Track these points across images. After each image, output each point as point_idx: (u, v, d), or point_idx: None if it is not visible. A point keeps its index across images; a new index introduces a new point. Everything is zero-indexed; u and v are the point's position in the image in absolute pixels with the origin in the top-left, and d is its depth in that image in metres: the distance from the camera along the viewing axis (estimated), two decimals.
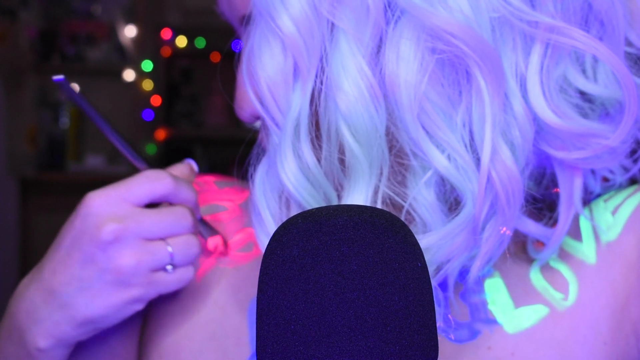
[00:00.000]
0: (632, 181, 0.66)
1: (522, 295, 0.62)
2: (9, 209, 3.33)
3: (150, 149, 3.48)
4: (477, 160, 0.54)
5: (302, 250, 0.43)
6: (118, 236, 0.59)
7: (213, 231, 0.68)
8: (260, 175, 0.60)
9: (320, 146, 0.57)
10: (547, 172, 0.62)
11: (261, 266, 0.45)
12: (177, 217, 0.62)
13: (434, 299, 0.55)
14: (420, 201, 0.56)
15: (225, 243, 0.69)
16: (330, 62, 0.54)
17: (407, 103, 0.53)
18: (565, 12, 0.55)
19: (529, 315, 0.61)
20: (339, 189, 0.58)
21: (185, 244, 0.62)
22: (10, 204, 3.33)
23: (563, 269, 0.62)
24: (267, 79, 0.56)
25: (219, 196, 0.75)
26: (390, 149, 0.56)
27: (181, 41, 3.52)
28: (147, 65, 3.42)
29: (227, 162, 3.55)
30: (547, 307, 0.61)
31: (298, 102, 0.56)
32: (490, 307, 0.62)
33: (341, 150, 0.56)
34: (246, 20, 0.60)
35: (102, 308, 0.60)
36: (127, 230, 0.59)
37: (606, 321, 0.60)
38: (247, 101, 0.60)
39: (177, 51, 3.55)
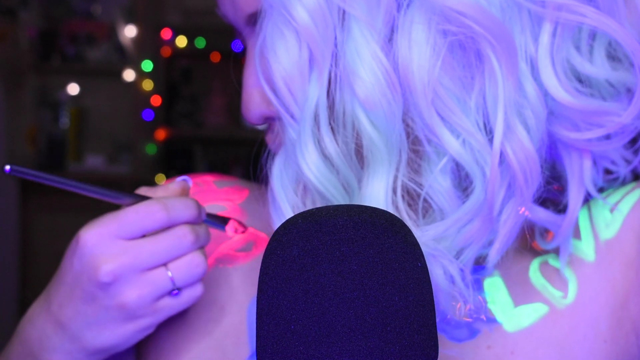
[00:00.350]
0: (636, 176, 0.66)
1: (521, 293, 0.62)
2: (9, 209, 3.33)
3: (150, 149, 3.48)
4: (492, 143, 0.54)
5: (302, 250, 0.43)
6: (116, 275, 0.58)
7: (224, 220, 0.67)
8: (278, 168, 0.59)
9: (336, 137, 0.56)
10: (547, 163, 0.62)
11: (261, 266, 0.45)
12: (175, 239, 0.60)
13: (462, 281, 0.55)
14: (437, 188, 0.56)
15: (241, 223, 0.67)
16: (345, 51, 0.54)
17: (420, 88, 0.53)
18: None
19: (529, 314, 0.61)
20: (358, 179, 0.57)
21: (187, 265, 0.60)
22: (10, 204, 3.33)
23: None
24: (283, 72, 0.56)
25: (218, 196, 0.74)
26: (407, 136, 0.56)
27: (181, 41, 3.51)
28: (147, 65, 3.42)
29: (227, 162, 3.55)
30: (546, 305, 0.61)
31: (315, 93, 0.55)
32: (490, 306, 0.62)
33: (357, 139, 0.55)
34: (253, 18, 0.59)
35: (112, 340, 0.60)
36: (124, 268, 0.58)
37: (606, 319, 0.60)
38: (255, 102, 0.60)
39: (177, 51, 3.54)
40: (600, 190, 0.64)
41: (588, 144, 0.58)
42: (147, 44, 3.44)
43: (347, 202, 0.58)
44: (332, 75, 0.55)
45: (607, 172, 0.65)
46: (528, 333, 0.60)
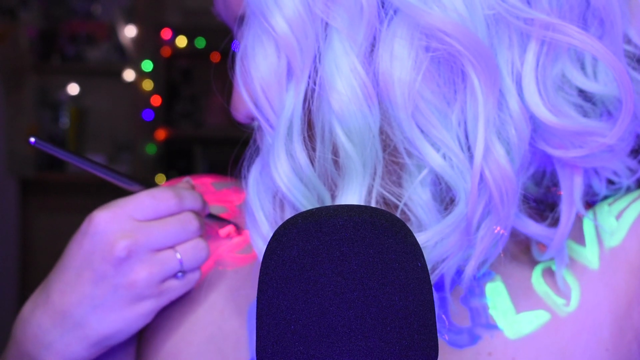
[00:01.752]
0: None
1: (523, 300, 0.61)
2: (9, 209, 3.33)
3: (150, 149, 3.48)
4: (472, 159, 0.54)
5: (302, 250, 0.43)
6: (130, 251, 0.60)
7: (224, 222, 0.69)
8: (253, 176, 0.60)
9: (313, 147, 0.56)
10: (547, 172, 0.62)
11: (261, 266, 0.45)
12: (183, 224, 0.62)
13: None
14: (416, 200, 0.56)
15: (238, 229, 0.70)
16: (323, 62, 0.54)
17: (401, 101, 0.53)
18: (561, 9, 0.55)
19: (530, 321, 0.60)
20: (333, 189, 0.57)
21: (193, 249, 0.63)
22: (10, 204, 3.33)
23: (565, 274, 0.61)
24: (261, 79, 0.56)
25: (217, 198, 0.75)
26: (385, 148, 0.56)
27: (181, 41, 3.51)
28: (147, 65, 3.42)
29: (227, 162, 3.55)
30: (548, 312, 0.60)
31: (291, 103, 0.55)
32: (491, 311, 0.61)
33: (335, 151, 0.55)
34: (240, 20, 0.60)
35: (116, 324, 0.61)
36: (137, 245, 0.60)
37: (608, 327, 0.59)
38: (242, 102, 0.60)
39: (177, 51, 3.54)
40: (605, 197, 0.64)
41: (578, 161, 0.58)
42: (147, 44, 3.44)
43: None
44: (311, 85, 0.55)
45: (611, 182, 0.64)
46: (529, 340, 0.59)
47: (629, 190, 0.64)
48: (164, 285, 0.62)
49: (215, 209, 0.73)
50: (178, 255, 0.62)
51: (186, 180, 0.69)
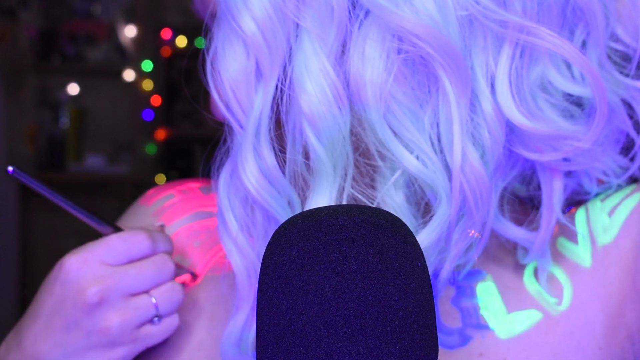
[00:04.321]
0: (633, 180, 0.65)
1: (515, 299, 0.61)
2: (9, 209, 3.32)
3: (150, 149, 3.48)
4: (444, 161, 0.54)
5: (302, 250, 0.43)
6: (102, 297, 0.59)
7: (181, 270, 0.67)
8: (224, 177, 0.59)
9: (284, 148, 0.56)
10: (535, 172, 0.62)
11: (261, 266, 0.45)
12: (157, 266, 0.61)
13: None
14: (389, 203, 0.55)
15: (193, 276, 0.69)
16: (293, 63, 0.53)
17: (373, 102, 0.52)
18: (537, 12, 0.54)
19: (522, 321, 0.60)
20: (305, 191, 0.57)
21: (169, 292, 0.62)
22: (10, 204, 3.33)
23: (557, 272, 0.61)
24: (230, 80, 0.55)
25: (205, 202, 0.74)
26: (356, 150, 0.56)
27: (181, 41, 3.51)
28: (147, 65, 3.42)
29: None
30: (540, 312, 0.60)
31: (260, 103, 0.55)
32: (482, 312, 0.61)
33: (305, 152, 0.55)
34: (212, 20, 0.59)
35: None
36: (109, 290, 0.59)
37: (601, 326, 0.59)
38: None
39: (177, 51, 3.54)
40: (597, 194, 0.63)
41: (557, 164, 0.58)
42: (147, 44, 3.44)
43: (290, 215, 0.57)
44: (280, 86, 0.55)
45: (601, 181, 0.63)
46: (521, 340, 0.59)
47: (619, 187, 0.64)
48: (140, 331, 0.61)
49: (202, 214, 0.72)
50: (153, 300, 0.60)
51: (160, 225, 0.68)
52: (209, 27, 0.64)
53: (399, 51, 0.52)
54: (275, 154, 0.56)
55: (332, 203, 0.55)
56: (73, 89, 3.54)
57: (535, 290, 0.61)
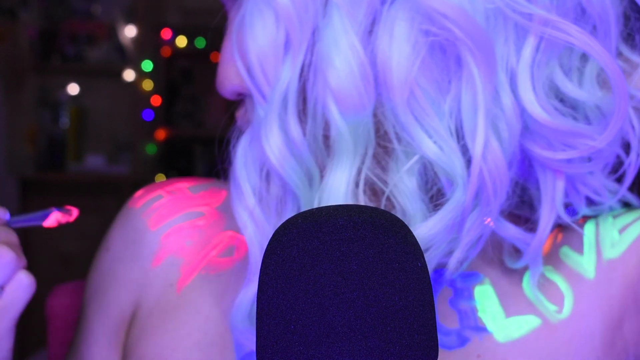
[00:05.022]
0: (624, 203, 0.65)
1: (513, 304, 0.61)
2: (9, 209, 3.32)
3: (150, 149, 3.48)
4: (463, 148, 0.54)
5: (302, 250, 0.43)
6: None
7: (38, 215, 0.63)
8: (242, 147, 0.59)
9: (305, 122, 0.56)
10: (518, 184, 0.61)
11: (261, 266, 0.45)
12: None
13: None
14: (402, 188, 0.55)
15: (63, 210, 0.63)
16: (322, 37, 0.53)
17: (397, 85, 0.52)
18: (560, 9, 0.55)
19: (520, 326, 0.60)
20: (321, 168, 0.57)
21: None
22: (10, 204, 3.33)
23: (559, 280, 0.61)
24: (258, 49, 0.55)
25: (194, 202, 0.73)
26: (376, 131, 0.55)
27: (181, 41, 3.51)
28: (147, 65, 3.42)
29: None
30: (539, 318, 0.60)
31: (287, 75, 0.55)
32: (480, 314, 0.61)
33: (326, 128, 0.55)
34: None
35: None
36: None
37: (600, 337, 0.59)
38: (229, 77, 0.59)
39: (177, 51, 3.54)
40: (586, 216, 0.63)
41: (562, 165, 0.57)
42: (147, 44, 3.44)
43: (307, 190, 0.57)
44: (307, 60, 0.54)
45: (591, 202, 0.64)
46: (519, 344, 0.59)
47: (611, 209, 0.64)
48: None
49: (192, 214, 0.71)
50: None
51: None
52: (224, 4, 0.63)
53: (426, 34, 0.52)
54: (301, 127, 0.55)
55: (350, 182, 0.55)
56: (73, 89, 3.54)
57: (534, 296, 0.61)
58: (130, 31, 3.44)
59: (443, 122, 0.53)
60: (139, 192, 0.76)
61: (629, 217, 0.63)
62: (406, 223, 0.54)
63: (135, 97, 3.44)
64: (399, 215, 0.56)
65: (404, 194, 0.55)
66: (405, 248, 0.44)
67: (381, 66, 0.53)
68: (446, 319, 0.61)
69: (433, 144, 0.53)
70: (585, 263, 0.61)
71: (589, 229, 0.63)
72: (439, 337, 0.60)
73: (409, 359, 0.42)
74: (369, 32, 0.54)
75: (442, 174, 0.54)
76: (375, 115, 0.55)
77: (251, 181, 0.58)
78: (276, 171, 0.56)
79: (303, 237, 0.43)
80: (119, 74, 3.43)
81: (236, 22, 0.57)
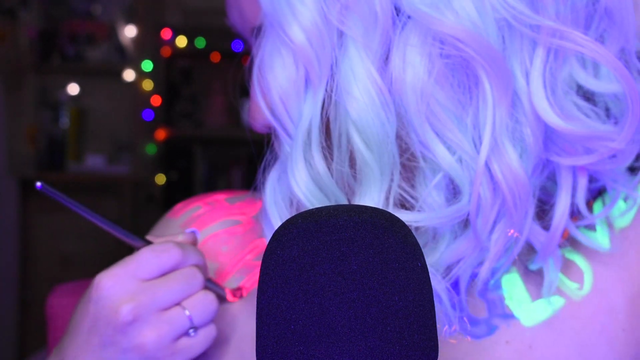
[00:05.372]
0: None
1: (538, 288, 0.62)
2: (9, 209, 3.32)
3: (150, 149, 3.48)
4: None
5: (302, 250, 0.43)
6: (136, 315, 0.58)
7: (219, 288, 0.67)
8: (271, 183, 0.60)
9: (331, 154, 0.57)
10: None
11: (261, 266, 0.45)
12: (187, 278, 0.61)
13: (448, 301, 0.56)
14: (430, 204, 0.56)
15: (235, 291, 0.68)
16: (340, 70, 0.54)
17: (414, 105, 0.53)
18: (568, 14, 0.55)
19: (545, 307, 0.61)
20: (349, 195, 0.58)
21: (202, 302, 0.61)
22: (10, 204, 3.33)
23: (578, 259, 0.62)
24: (279, 89, 0.56)
25: (231, 211, 0.75)
26: (401, 152, 0.56)
27: (181, 41, 3.51)
28: (147, 65, 3.41)
29: (227, 162, 3.55)
30: (563, 297, 0.61)
31: (309, 112, 0.56)
32: (507, 302, 0.62)
33: (352, 157, 0.56)
34: (257, 31, 0.60)
35: None
36: (142, 307, 0.59)
37: (623, 307, 0.60)
38: (260, 112, 0.60)
39: (177, 51, 3.54)
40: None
41: (588, 164, 0.58)
42: (147, 44, 3.44)
43: None
44: (328, 94, 0.55)
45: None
46: (545, 326, 0.61)
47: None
48: (177, 344, 0.60)
49: (229, 222, 0.73)
50: (187, 312, 0.60)
51: (191, 231, 0.67)
52: (245, 38, 0.64)
53: (441, 56, 0.53)
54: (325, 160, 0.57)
55: (380, 205, 0.56)
56: (73, 89, 3.53)
57: (557, 278, 0.62)
58: (130, 31, 3.44)
59: (467, 136, 0.54)
60: (179, 205, 0.78)
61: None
62: (435, 241, 0.56)
63: (135, 97, 3.44)
64: (429, 230, 0.57)
65: (432, 209, 0.56)
66: (405, 248, 0.44)
67: (397, 89, 0.54)
68: (475, 309, 0.62)
69: (451, 158, 0.54)
70: (599, 237, 0.63)
71: (598, 207, 0.63)
72: (469, 327, 0.61)
73: (409, 359, 0.42)
74: (385, 59, 0.55)
75: (463, 187, 0.56)
76: (399, 136, 0.56)
77: (282, 217, 0.59)
78: (305, 205, 0.57)
79: (303, 237, 0.43)
80: (119, 74, 3.43)
81: (257, 62, 0.58)
